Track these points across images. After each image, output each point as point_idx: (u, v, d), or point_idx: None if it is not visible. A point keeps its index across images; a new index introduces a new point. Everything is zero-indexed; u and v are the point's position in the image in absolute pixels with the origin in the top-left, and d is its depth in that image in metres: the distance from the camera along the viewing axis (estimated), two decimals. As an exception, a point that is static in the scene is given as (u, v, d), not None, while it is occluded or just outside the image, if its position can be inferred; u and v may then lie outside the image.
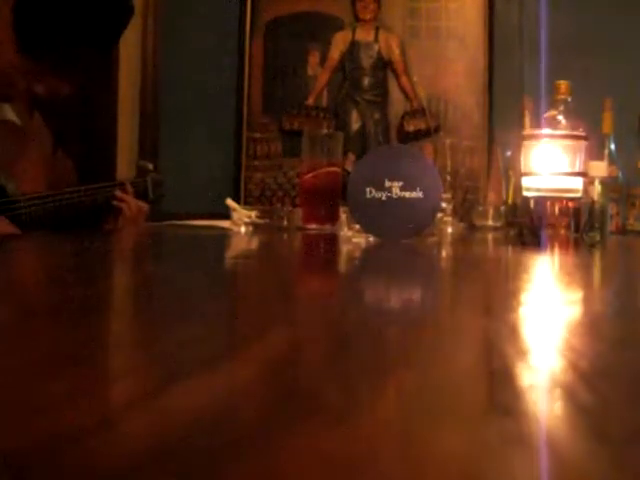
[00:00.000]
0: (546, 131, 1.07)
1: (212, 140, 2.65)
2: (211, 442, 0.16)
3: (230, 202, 1.52)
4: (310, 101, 2.70)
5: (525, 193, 1.06)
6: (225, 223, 1.47)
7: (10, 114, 1.36)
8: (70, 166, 1.54)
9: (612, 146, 1.90)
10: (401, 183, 1.02)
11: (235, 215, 1.49)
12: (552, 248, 1.02)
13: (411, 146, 2.54)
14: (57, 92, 1.25)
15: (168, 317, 0.35)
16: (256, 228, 1.44)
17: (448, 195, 1.63)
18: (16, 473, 0.14)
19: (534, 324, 0.36)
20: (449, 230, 1.58)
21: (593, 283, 0.66)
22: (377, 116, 2.70)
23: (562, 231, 1.03)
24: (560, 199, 1.03)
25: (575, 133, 1.06)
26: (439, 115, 2.67)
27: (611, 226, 1.64)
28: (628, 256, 1.22)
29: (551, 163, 1.04)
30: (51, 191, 1.37)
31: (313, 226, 1.39)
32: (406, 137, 2.67)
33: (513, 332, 0.33)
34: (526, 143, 1.06)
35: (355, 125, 2.70)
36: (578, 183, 1.05)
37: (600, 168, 1.41)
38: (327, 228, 1.38)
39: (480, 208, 1.98)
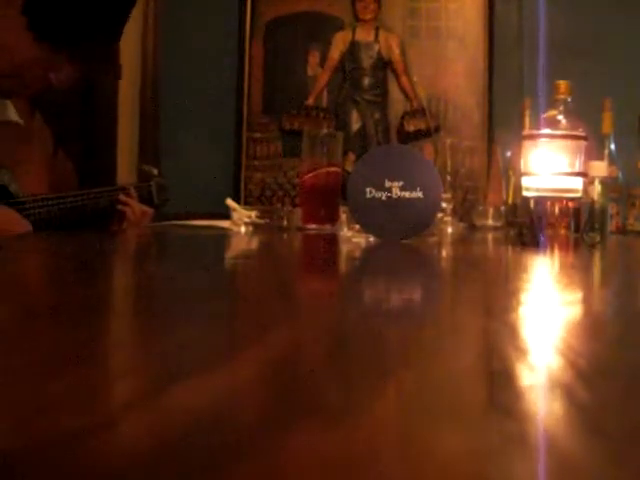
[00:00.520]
0: (546, 131, 1.07)
1: (212, 140, 2.65)
2: (211, 442, 0.16)
3: (230, 202, 1.52)
4: (310, 101, 2.70)
5: (525, 193, 1.06)
6: (225, 223, 1.48)
7: (12, 114, 1.36)
8: (70, 167, 1.54)
9: (612, 146, 1.90)
10: (401, 183, 1.02)
11: (235, 215, 1.49)
12: (552, 248, 1.02)
13: (411, 146, 2.54)
14: (69, 80, 1.26)
15: (168, 317, 0.35)
16: (256, 228, 1.44)
17: (448, 195, 1.63)
18: (16, 473, 0.14)
19: (534, 324, 0.36)
20: (449, 230, 1.58)
21: (593, 283, 0.66)
22: (377, 116, 2.70)
23: (562, 231, 1.03)
24: (560, 199, 1.03)
25: (575, 133, 1.06)
26: (439, 115, 2.67)
27: (611, 226, 1.64)
28: (628, 256, 1.22)
29: (551, 163, 1.04)
30: (55, 193, 1.38)
31: (313, 226, 1.39)
32: (406, 137, 2.67)
33: (513, 332, 0.33)
34: (526, 143, 1.06)
35: (355, 125, 2.70)
36: (578, 183, 1.05)
37: (600, 168, 1.41)
38: (327, 228, 1.38)
39: (480, 208, 1.98)
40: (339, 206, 1.37)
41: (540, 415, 0.19)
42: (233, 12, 2.67)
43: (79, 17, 1.23)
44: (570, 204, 1.04)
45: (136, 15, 2.56)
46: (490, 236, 1.62)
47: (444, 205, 1.55)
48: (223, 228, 1.43)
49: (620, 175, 1.88)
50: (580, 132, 1.06)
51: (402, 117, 2.69)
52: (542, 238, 1.02)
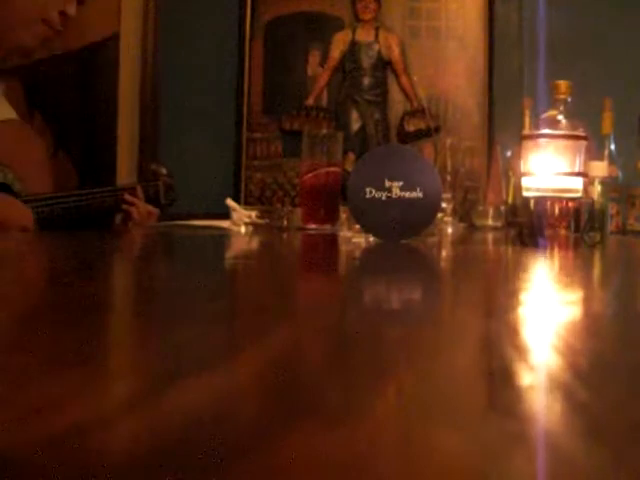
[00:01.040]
0: (546, 131, 1.07)
1: (212, 140, 2.65)
2: (211, 442, 0.16)
3: (230, 202, 1.52)
4: (310, 101, 2.70)
5: (525, 193, 1.06)
6: (225, 223, 1.48)
7: (10, 112, 1.37)
8: (70, 166, 1.54)
9: (612, 146, 1.90)
10: (401, 183, 1.02)
11: (235, 215, 1.49)
12: (552, 248, 1.02)
13: (411, 146, 2.54)
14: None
15: (168, 317, 0.35)
16: (256, 228, 1.44)
17: (448, 195, 1.63)
18: (16, 473, 0.14)
19: (534, 324, 0.36)
20: (449, 230, 1.58)
21: (593, 283, 0.66)
22: (377, 116, 2.70)
23: (562, 231, 1.03)
24: (560, 199, 1.04)
25: (575, 133, 1.06)
26: (439, 115, 2.67)
27: (611, 226, 1.64)
28: (628, 256, 1.22)
29: (551, 163, 1.04)
30: (58, 192, 1.38)
31: (313, 226, 1.39)
32: (406, 137, 2.67)
33: (513, 332, 0.33)
34: (526, 143, 1.06)
35: (355, 125, 2.70)
36: (578, 183, 1.05)
37: (600, 168, 1.41)
38: (327, 228, 1.38)
39: (480, 208, 1.98)
40: (339, 206, 1.37)
41: (540, 415, 0.19)
42: (233, 12, 2.67)
43: None
44: (570, 204, 1.04)
45: (136, 15, 2.56)
46: (490, 236, 1.62)
47: (444, 205, 1.55)
48: (223, 228, 1.44)
49: (620, 175, 1.88)
50: (580, 132, 1.06)
51: (402, 117, 2.69)
52: (542, 238, 1.02)
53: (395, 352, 0.28)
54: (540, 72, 2.34)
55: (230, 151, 2.67)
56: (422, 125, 2.66)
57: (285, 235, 1.38)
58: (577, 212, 1.05)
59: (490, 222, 1.89)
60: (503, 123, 2.49)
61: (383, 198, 1.03)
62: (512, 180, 1.83)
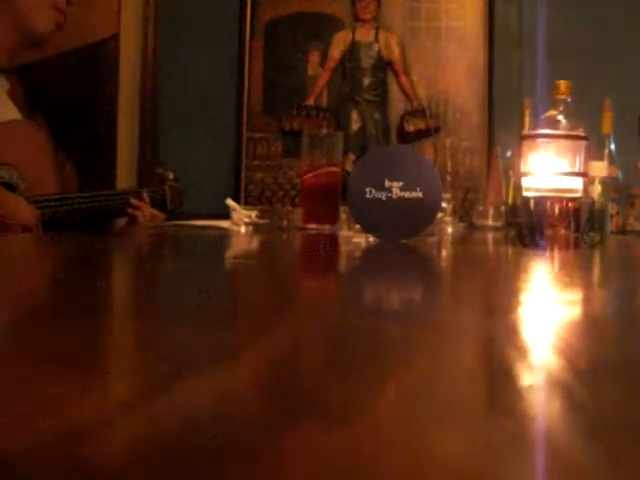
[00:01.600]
0: (546, 131, 1.07)
1: (212, 140, 2.65)
2: (211, 442, 0.16)
3: (230, 202, 1.52)
4: (310, 101, 2.70)
5: (525, 193, 1.06)
6: (225, 223, 1.47)
7: (15, 112, 1.37)
8: (70, 166, 1.54)
9: (612, 146, 1.90)
10: (401, 183, 1.02)
11: (235, 215, 1.49)
12: (552, 248, 1.02)
13: (411, 146, 2.54)
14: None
15: (168, 317, 0.35)
16: (256, 228, 1.44)
17: (448, 195, 1.63)
18: (16, 473, 0.14)
19: (534, 324, 0.36)
20: (449, 230, 1.58)
21: (593, 283, 0.66)
22: (377, 116, 2.70)
23: (562, 231, 1.03)
24: (560, 199, 1.03)
25: (575, 133, 1.06)
26: (439, 115, 2.67)
27: (611, 226, 1.64)
28: (628, 256, 1.22)
29: (551, 163, 1.04)
30: (65, 194, 1.38)
31: (313, 226, 1.39)
32: (406, 137, 2.67)
33: (513, 332, 0.33)
34: (526, 143, 1.06)
35: (355, 125, 2.70)
36: (578, 183, 1.05)
37: (600, 168, 1.41)
38: (327, 228, 1.38)
39: (480, 208, 1.98)
40: (339, 206, 1.37)
41: (540, 415, 0.19)
42: (233, 12, 2.67)
43: None
44: (570, 204, 1.04)
45: (136, 15, 2.56)
46: (490, 236, 1.62)
47: (444, 205, 1.55)
48: (223, 228, 1.43)
49: (620, 175, 1.88)
50: (580, 132, 1.06)
51: (402, 117, 2.69)
52: (542, 238, 1.02)
53: (395, 352, 0.28)
54: (540, 72, 2.34)
55: (230, 151, 2.67)
56: (422, 125, 2.66)
57: (285, 235, 1.38)
58: (577, 212, 1.05)
59: (490, 222, 1.89)
60: (503, 123, 2.49)
61: (383, 198, 1.03)
62: (512, 180, 1.83)
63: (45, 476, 0.14)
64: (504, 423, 0.18)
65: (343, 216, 1.31)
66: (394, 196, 1.02)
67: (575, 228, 1.04)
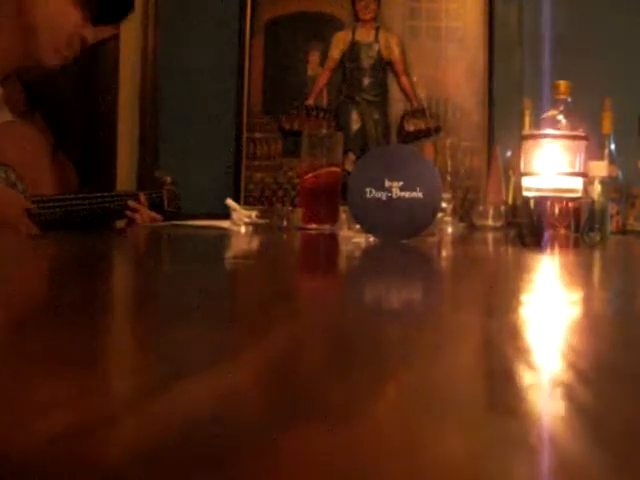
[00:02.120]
0: (546, 131, 1.07)
1: (212, 140, 2.65)
2: (211, 442, 0.16)
3: (230, 202, 1.52)
4: (310, 101, 2.70)
5: (525, 193, 1.06)
6: (225, 223, 1.47)
7: (6, 114, 1.37)
8: (70, 167, 1.54)
9: (612, 146, 1.90)
10: (401, 183, 1.02)
11: (235, 215, 1.49)
12: (552, 248, 1.02)
13: (411, 146, 2.53)
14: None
15: (168, 317, 0.35)
16: (256, 228, 1.44)
17: (448, 195, 1.63)
18: (16, 473, 0.14)
19: (534, 324, 0.36)
20: (449, 230, 1.58)
21: (593, 283, 0.66)
22: (377, 116, 2.70)
23: (562, 231, 1.03)
24: (560, 199, 1.03)
25: (575, 133, 1.06)
26: (439, 115, 2.67)
27: (611, 226, 1.63)
28: (628, 256, 1.22)
29: (551, 163, 1.04)
30: (63, 195, 1.38)
31: (313, 226, 1.39)
32: (406, 137, 2.67)
33: (513, 332, 0.33)
34: (526, 143, 1.06)
35: (355, 125, 2.70)
36: (578, 183, 1.05)
37: (600, 168, 1.41)
38: (327, 228, 1.38)
39: (480, 208, 1.98)
40: (339, 206, 1.37)
41: (541, 416, 0.19)
42: (233, 12, 2.67)
43: None
44: (570, 204, 1.04)
45: (136, 15, 2.56)
46: (490, 236, 1.62)
47: (444, 205, 1.55)
48: (223, 228, 1.43)
49: (620, 175, 1.88)
50: (580, 132, 1.06)
51: (402, 117, 2.69)
52: (542, 238, 1.02)
53: (395, 352, 0.28)
54: (540, 72, 2.34)
55: (230, 151, 2.67)
56: (422, 125, 2.66)
57: (285, 235, 1.38)
58: (577, 212, 1.05)
59: (490, 222, 1.89)
60: (503, 123, 2.49)
61: (383, 198, 1.03)
62: (512, 180, 1.83)
63: (45, 476, 0.14)
64: (504, 423, 0.18)
65: (343, 216, 1.31)
66: (394, 196, 1.02)
67: (575, 228, 1.04)
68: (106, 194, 1.47)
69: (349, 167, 2.31)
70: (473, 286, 0.59)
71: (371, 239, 1.05)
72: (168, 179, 1.63)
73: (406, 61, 2.69)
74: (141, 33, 2.61)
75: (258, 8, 2.69)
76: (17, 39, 1.34)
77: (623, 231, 1.79)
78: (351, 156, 2.54)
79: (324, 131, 2.31)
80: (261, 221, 1.48)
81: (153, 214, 1.52)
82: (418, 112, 2.67)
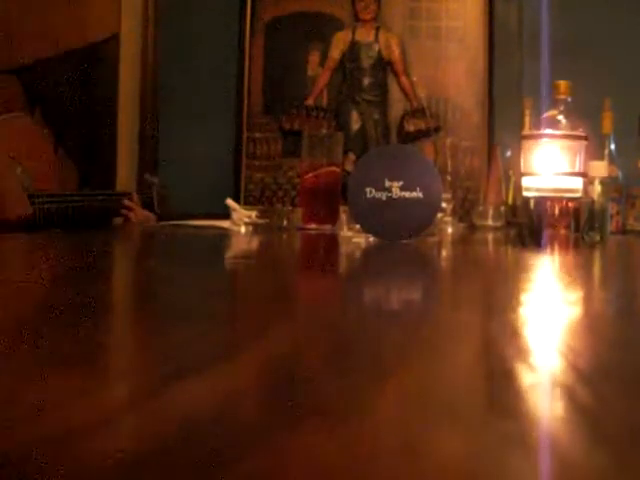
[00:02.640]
0: (546, 131, 1.07)
1: (212, 140, 2.65)
2: (211, 442, 0.16)
3: (230, 202, 1.51)
4: (310, 101, 2.70)
5: (525, 193, 1.06)
6: (225, 223, 1.47)
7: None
8: (71, 165, 1.55)
9: (612, 146, 1.90)
10: (401, 183, 1.02)
11: (235, 215, 1.49)
12: (552, 248, 1.02)
13: (411, 146, 2.53)
14: None
15: (168, 317, 0.35)
16: (256, 228, 1.44)
17: (448, 195, 1.63)
18: (16, 473, 0.14)
19: (534, 324, 0.36)
20: (449, 230, 1.58)
21: (593, 283, 0.66)
22: (377, 116, 2.70)
23: (562, 231, 1.03)
24: (560, 199, 1.03)
25: (575, 133, 1.06)
26: (439, 115, 2.67)
27: (611, 226, 1.63)
28: (628, 256, 1.22)
29: (551, 163, 1.04)
30: (61, 191, 1.40)
31: (313, 226, 1.39)
32: (406, 137, 2.67)
33: (513, 332, 0.33)
34: (526, 143, 1.06)
35: (355, 125, 2.70)
36: (578, 183, 1.05)
37: (600, 168, 1.41)
38: (327, 228, 1.38)
39: (480, 208, 1.98)
40: (339, 206, 1.37)
41: (541, 416, 0.19)
42: (233, 12, 2.67)
43: None
44: (570, 204, 1.04)
45: (136, 15, 2.56)
46: (490, 236, 1.62)
47: (444, 205, 1.55)
48: (223, 228, 1.43)
49: (620, 175, 1.87)
50: (580, 132, 1.06)
51: (402, 117, 2.69)
52: (542, 238, 1.02)
53: (396, 352, 0.28)
54: (540, 72, 2.34)
55: (230, 151, 2.67)
56: (422, 125, 2.66)
57: (285, 235, 1.37)
58: (577, 212, 1.05)
59: (490, 222, 1.89)
60: (503, 123, 2.49)
61: (383, 198, 1.03)
62: (512, 180, 1.83)
63: (45, 476, 0.14)
64: (504, 424, 0.18)
65: (343, 216, 1.30)
66: (394, 196, 1.02)
67: (575, 228, 1.04)
68: (100, 192, 1.52)
69: (349, 167, 2.31)
70: (473, 286, 0.59)
71: (371, 239, 1.05)
72: (155, 180, 1.68)
73: (406, 61, 2.69)
74: (141, 33, 2.61)
75: (258, 8, 2.70)
76: None
77: (623, 231, 1.79)
78: (351, 156, 2.54)
79: (324, 131, 2.32)
80: (261, 221, 1.48)
81: (146, 212, 1.57)
82: (418, 112, 2.67)
